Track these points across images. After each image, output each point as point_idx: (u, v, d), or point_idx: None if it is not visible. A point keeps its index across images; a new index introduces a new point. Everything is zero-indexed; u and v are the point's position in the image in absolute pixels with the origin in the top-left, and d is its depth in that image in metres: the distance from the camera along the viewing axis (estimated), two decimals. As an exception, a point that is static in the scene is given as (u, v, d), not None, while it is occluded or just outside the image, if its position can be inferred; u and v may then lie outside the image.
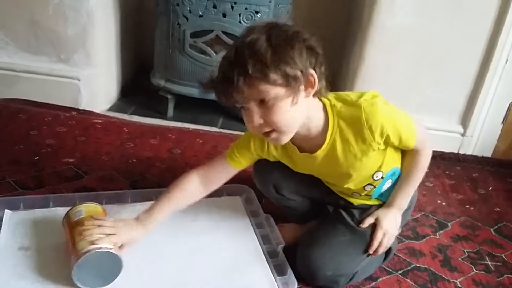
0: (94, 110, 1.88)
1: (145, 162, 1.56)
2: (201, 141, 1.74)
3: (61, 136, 1.65)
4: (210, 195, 1.20)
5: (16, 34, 1.82)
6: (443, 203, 1.53)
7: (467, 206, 1.53)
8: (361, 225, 1.11)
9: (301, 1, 2.02)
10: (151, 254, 1.12)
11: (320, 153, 1.03)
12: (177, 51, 1.83)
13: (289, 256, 1.12)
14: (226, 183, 1.18)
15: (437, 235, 1.37)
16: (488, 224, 1.45)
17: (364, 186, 1.11)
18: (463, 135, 1.86)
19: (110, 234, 1.01)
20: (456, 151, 1.88)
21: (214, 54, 1.81)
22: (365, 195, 1.14)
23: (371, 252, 1.10)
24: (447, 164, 1.79)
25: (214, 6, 1.74)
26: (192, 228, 1.23)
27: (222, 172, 1.15)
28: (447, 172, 1.73)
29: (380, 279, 1.16)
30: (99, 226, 1.03)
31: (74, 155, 1.54)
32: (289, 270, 1.09)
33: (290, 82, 0.87)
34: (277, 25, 0.91)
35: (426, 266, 1.23)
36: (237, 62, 0.87)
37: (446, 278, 1.20)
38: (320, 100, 1.00)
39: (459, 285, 1.18)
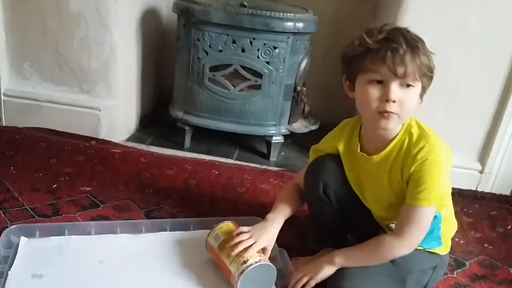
0: (113, 140, 1.92)
1: (161, 192, 1.57)
2: (216, 172, 1.75)
3: (80, 165, 1.68)
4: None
5: (40, 65, 1.88)
6: (461, 241, 1.50)
7: (486, 245, 1.50)
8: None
9: (319, 37, 2.05)
10: (157, 283, 1.13)
11: (377, 157, 1.08)
12: (196, 84, 1.87)
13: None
14: (239, 215, 1.18)
15: (455, 274, 1.33)
16: (507, 264, 1.41)
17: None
18: (481, 172, 1.84)
19: (252, 244, 1.11)
20: (474, 189, 1.85)
21: (232, 87, 1.84)
22: None
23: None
24: (465, 202, 1.76)
25: (234, 42, 1.78)
26: (204, 255, 1.22)
27: None
28: (465, 210, 1.70)
29: (396, 318, 1.13)
30: (240, 242, 1.11)
31: (92, 183, 1.56)
32: None
33: (430, 76, 1.01)
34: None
35: (443, 306, 1.20)
36: (414, 46, 0.98)
37: (464, 319, 1.16)
38: None
39: (478, 327, 1.14)
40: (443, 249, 1.17)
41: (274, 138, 1.93)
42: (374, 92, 1.00)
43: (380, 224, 1.20)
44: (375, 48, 0.98)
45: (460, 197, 1.78)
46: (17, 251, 1.16)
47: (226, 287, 1.12)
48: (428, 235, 1.11)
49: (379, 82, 1.00)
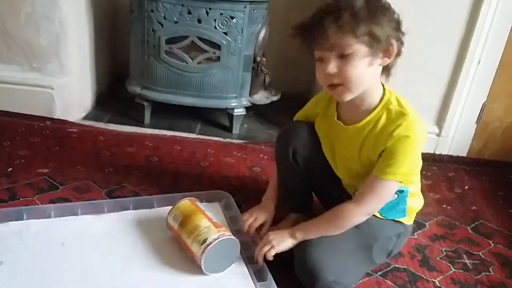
0: (69, 119, 1.85)
1: (122, 170, 1.54)
2: (179, 147, 1.73)
3: (35, 146, 1.62)
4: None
5: (-14, 43, 1.79)
6: (421, 203, 1.55)
7: (444, 206, 1.55)
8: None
9: (277, 6, 2.02)
10: (118, 263, 1.11)
11: (352, 128, 1.09)
12: (153, 58, 1.82)
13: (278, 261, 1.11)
14: (203, 190, 1.17)
15: (415, 235, 1.38)
16: (465, 223, 1.47)
17: None
18: (438, 135, 1.89)
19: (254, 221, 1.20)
20: (432, 152, 1.90)
21: (190, 60, 1.80)
22: None
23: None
24: (424, 165, 1.76)
25: (189, 12, 1.73)
26: (168, 234, 1.21)
27: None
28: (423, 173, 1.74)
29: (360, 281, 1.16)
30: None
31: (49, 165, 1.51)
32: (269, 276, 1.08)
33: (373, 43, 0.95)
34: None
35: (405, 267, 1.24)
36: (332, 10, 0.95)
37: (425, 277, 1.21)
38: (382, 84, 1.07)
39: (438, 284, 1.19)
40: (407, 220, 1.19)
41: (235, 110, 1.91)
42: (319, 69, 1.01)
43: (348, 191, 1.21)
44: (308, 24, 0.98)
45: (419, 160, 1.82)
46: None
47: (191, 265, 1.11)
48: (393, 208, 1.14)
49: (320, 59, 1.00)
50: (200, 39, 1.77)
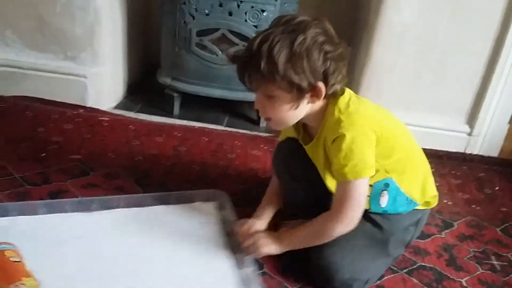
0: (101, 108, 1.89)
1: (151, 159, 1.56)
2: (206, 139, 1.75)
3: (68, 133, 1.66)
4: (183, 201, 1.29)
5: (23, 32, 1.83)
6: (449, 203, 1.52)
7: (473, 206, 1.53)
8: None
9: (308, 0, 2.01)
10: (115, 263, 1.09)
11: (308, 147, 1.12)
12: (183, 50, 1.83)
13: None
14: (229, 181, 1.17)
15: (443, 234, 1.36)
16: (494, 224, 1.44)
17: None
18: (469, 134, 1.85)
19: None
20: (462, 151, 1.87)
21: (220, 52, 1.81)
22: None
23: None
24: (453, 164, 1.78)
25: (220, 5, 1.74)
26: (159, 237, 1.19)
27: None
28: (453, 172, 1.72)
29: (385, 277, 1.16)
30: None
31: (81, 152, 1.55)
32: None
33: (294, 90, 0.96)
34: (310, 28, 0.95)
35: (431, 265, 1.23)
36: (255, 55, 0.95)
37: (452, 277, 1.19)
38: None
39: (465, 285, 1.17)
40: (423, 205, 1.17)
41: (263, 103, 1.91)
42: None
43: None
44: (237, 63, 1.01)
45: (449, 159, 1.80)
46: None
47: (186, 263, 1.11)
48: (395, 202, 1.12)
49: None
50: (230, 31, 1.78)
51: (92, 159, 1.52)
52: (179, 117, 1.93)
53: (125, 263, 1.10)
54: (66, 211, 1.23)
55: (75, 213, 1.23)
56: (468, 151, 1.87)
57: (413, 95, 1.79)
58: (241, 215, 1.24)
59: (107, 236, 1.18)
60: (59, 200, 1.28)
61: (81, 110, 1.84)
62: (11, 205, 1.22)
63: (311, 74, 0.95)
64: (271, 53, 0.93)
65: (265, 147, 1.73)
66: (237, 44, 1.79)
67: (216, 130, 1.85)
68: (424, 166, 1.18)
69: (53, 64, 1.86)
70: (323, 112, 1.05)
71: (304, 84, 0.95)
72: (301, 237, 1.09)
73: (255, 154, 1.68)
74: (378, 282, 1.14)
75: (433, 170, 1.19)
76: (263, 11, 1.74)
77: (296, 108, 0.99)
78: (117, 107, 1.98)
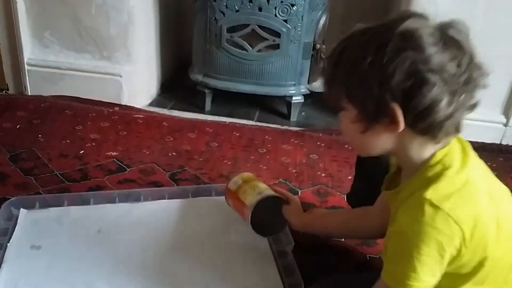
0: (136, 106, 1.95)
1: (184, 155, 1.60)
2: (238, 134, 1.77)
3: (105, 131, 1.72)
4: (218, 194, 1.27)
5: (61, 33, 1.90)
6: (484, 195, 1.49)
7: (510, 198, 1.49)
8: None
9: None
10: (152, 250, 1.13)
11: (386, 194, 0.88)
12: (214, 46, 1.86)
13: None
14: (261, 176, 1.19)
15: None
16: (531, 217, 1.40)
17: None
18: (505, 125, 1.81)
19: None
20: (498, 142, 1.83)
21: (250, 48, 1.83)
22: None
23: None
24: (489, 155, 1.73)
25: (250, 1, 1.76)
26: (197, 227, 1.22)
27: None
28: (489, 164, 1.64)
29: None
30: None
31: (117, 148, 1.61)
32: (297, 271, 1.06)
33: (361, 108, 0.74)
34: (398, 34, 0.70)
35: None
36: (328, 66, 0.79)
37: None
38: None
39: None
40: None
41: (294, 98, 1.92)
42: None
43: None
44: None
45: (484, 151, 1.75)
46: (16, 223, 1.16)
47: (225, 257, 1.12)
48: None
49: None
50: (260, 27, 1.79)
51: (128, 155, 1.57)
52: (211, 113, 1.97)
53: (174, 249, 1.14)
54: (113, 202, 1.28)
55: (123, 203, 1.28)
56: (504, 142, 1.83)
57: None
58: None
59: (152, 225, 1.21)
60: (107, 191, 1.35)
61: (116, 108, 1.89)
62: (63, 196, 1.28)
63: (381, 91, 0.70)
64: (344, 64, 0.75)
65: (295, 142, 1.74)
66: (267, 40, 1.81)
67: (247, 125, 1.87)
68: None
69: (89, 64, 1.93)
70: (418, 163, 0.76)
71: (369, 102, 0.72)
72: (326, 226, 1.10)
73: (285, 148, 1.69)
74: None
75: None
76: (292, 5, 1.75)
77: (365, 132, 0.75)
78: (151, 104, 2.03)
